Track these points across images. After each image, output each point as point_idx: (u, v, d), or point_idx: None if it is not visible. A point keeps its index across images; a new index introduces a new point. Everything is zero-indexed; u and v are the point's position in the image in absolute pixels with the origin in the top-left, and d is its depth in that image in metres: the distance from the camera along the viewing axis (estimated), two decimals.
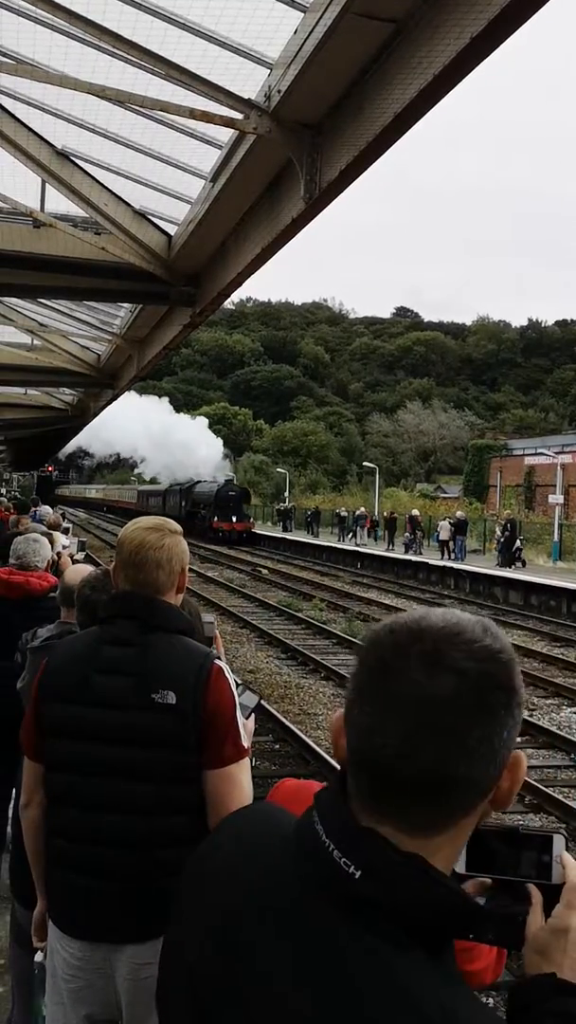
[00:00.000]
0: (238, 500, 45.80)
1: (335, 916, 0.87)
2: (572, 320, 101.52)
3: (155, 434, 56.38)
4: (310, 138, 5.47)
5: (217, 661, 2.27)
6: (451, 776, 0.88)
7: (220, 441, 57.25)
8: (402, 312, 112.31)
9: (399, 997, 0.82)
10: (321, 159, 5.47)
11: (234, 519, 44.44)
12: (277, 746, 9.88)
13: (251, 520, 47.03)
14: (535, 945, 1.02)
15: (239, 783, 2.21)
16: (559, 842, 1.11)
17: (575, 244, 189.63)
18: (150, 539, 2.35)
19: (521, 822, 7.46)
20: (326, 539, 40.34)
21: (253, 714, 2.61)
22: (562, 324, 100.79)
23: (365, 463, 53.42)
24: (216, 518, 44.24)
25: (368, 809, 0.91)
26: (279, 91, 5.23)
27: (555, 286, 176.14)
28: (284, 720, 10.34)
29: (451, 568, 27.61)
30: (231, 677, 2.29)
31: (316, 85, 5.05)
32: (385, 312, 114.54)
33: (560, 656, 16.04)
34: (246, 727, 2.46)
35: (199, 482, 50.20)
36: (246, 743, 2.32)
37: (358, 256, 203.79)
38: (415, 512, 34.97)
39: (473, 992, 0.91)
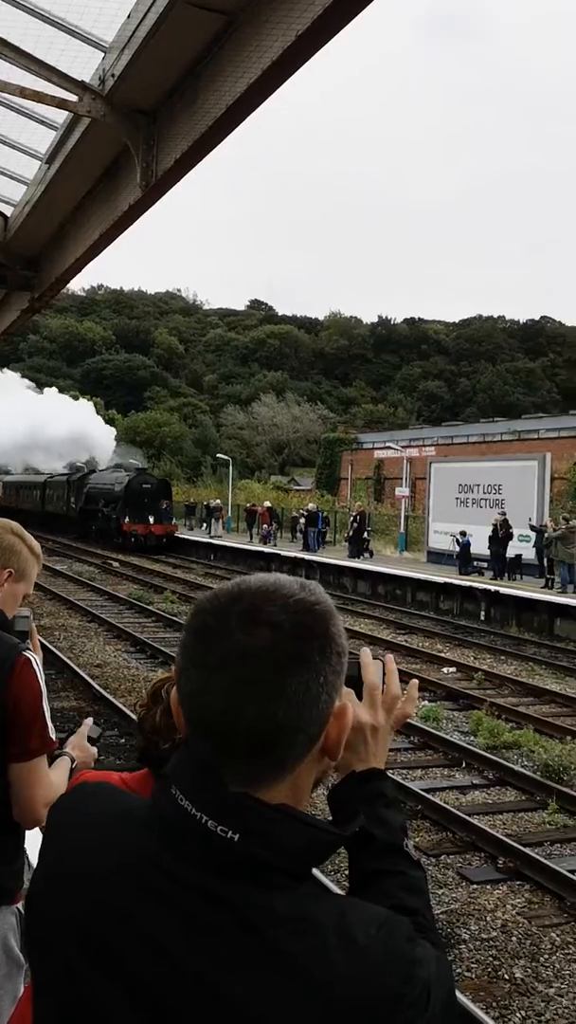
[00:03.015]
0: (156, 495, 35.73)
1: (224, 886, 0.89)
2: (419, 319, 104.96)
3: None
4: (146, 125, 5.42)
5: (25, 653, 2.22)
6: (276, 723, 0.91)
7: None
8: (256, 305, 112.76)
9: (308, 935, 0.88)
10: (157, 147, 5.43)
11: (152, 520, 34.56)
12: (123, 740, 9.77)
13: (173, 521, 37.10)
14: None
15: (45, 776, 2.18)
16: (365, 653, 1.22)
17: (425, 243, 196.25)
18: None
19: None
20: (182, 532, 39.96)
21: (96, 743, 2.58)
22: (410, 322, 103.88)
23: (219, 455, 53.19)
24: (127, 518, 34.25)
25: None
26: (113, 75, 5.15)
27: (403, 285, 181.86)
28: (131, 714, 10.22)
29: (303, 559, 28.05)
30: (39, 670, 2.24)
31: (150, 71, 5.01)
32: (239, 304, 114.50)
33: (403, 643, 16.61)
34: (85, 748, 2.46)
35: (95, 471, 40.74)
36: (78, 753, 2.32)
37: (212, 247, 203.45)
38: (268, 503, 35.29)
39: (343, 895, 1.01)
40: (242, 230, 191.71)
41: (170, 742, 1.60)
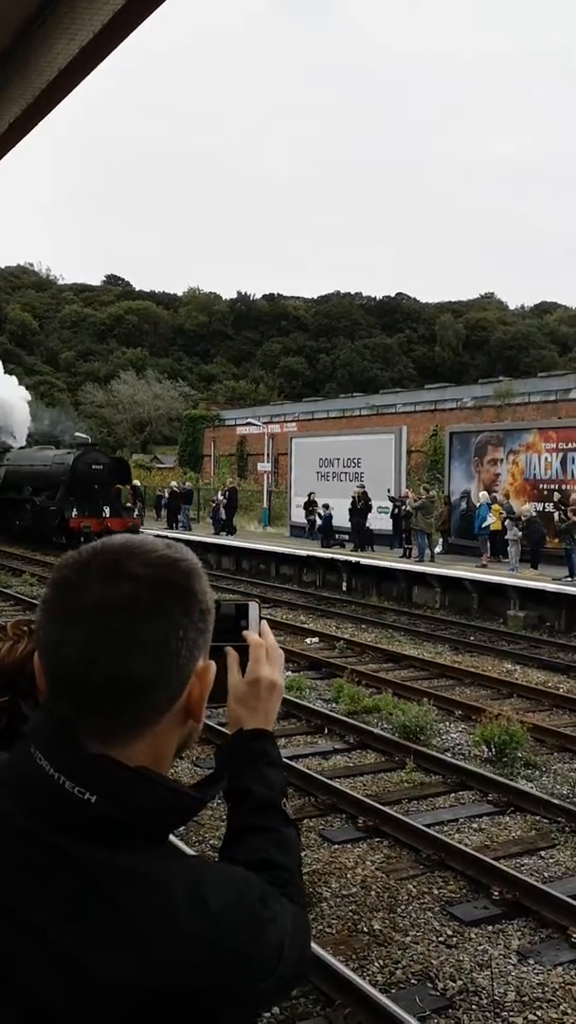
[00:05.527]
0: (109, 479, 26.81)
1: (76, 846, 0.88)
2: (278, 294, 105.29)
3: None
4: None
5: None
6: (132, 676, 0.90)
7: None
8: (113, 280, 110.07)
9: (155, 894, 0.88)
10: None
11: (107, 512, 25.74)
12: None
13: (136, 515, 28.18)
14: (236, 695, 1.18)
15: None
16: (254, 609, 1.22)
17: (282, 219, 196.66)
18: None
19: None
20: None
21: None
22: (269, 298, 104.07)
23: (78, 434, 51.70)
24: (75, 511, 25.39)
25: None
26: None
27: (262, 261, 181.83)
28: None
29: (166, 537, 27.85)
30: None
31: None
32: (95, 279, 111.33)
33: (268, 616, 16.65)
34: None
35: (16, 447, 31.75)
36: None
37: (64, 220, 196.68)
38: (137, 482, 34.83)
39: (200, 856, 1.00)
40: (95, 203, 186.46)
41: None
